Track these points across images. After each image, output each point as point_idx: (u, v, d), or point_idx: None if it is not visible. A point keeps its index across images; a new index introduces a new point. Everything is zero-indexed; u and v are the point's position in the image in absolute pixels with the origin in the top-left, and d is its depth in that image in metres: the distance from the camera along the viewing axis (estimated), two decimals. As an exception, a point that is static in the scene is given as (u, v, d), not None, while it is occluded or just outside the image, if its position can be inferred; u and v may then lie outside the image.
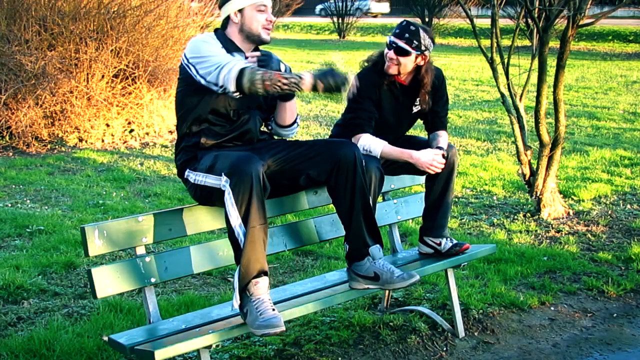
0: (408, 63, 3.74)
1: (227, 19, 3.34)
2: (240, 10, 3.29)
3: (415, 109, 3.92)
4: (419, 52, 3.72)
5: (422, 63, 3.78)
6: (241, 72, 3.04)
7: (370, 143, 3.70)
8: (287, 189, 3.46)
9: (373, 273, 3.32)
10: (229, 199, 2.96)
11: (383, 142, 3.73)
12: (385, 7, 35.27)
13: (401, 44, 3.69)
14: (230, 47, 3.28)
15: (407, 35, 3.69)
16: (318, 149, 3.30)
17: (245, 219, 2.94)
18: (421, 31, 3.71)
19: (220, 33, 3.36)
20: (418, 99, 3.89)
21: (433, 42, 3.77)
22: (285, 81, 3.01)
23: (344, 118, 3.90)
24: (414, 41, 3.69)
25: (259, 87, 3.02)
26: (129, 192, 6.57)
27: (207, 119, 3.28)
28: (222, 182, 3.01)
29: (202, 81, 3.16)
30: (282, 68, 3.28)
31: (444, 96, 3.98)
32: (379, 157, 3.68)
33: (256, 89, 3.03)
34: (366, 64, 3.88)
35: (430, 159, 3.71)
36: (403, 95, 3.87)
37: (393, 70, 3.76)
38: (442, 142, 3.83)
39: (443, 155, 3.75)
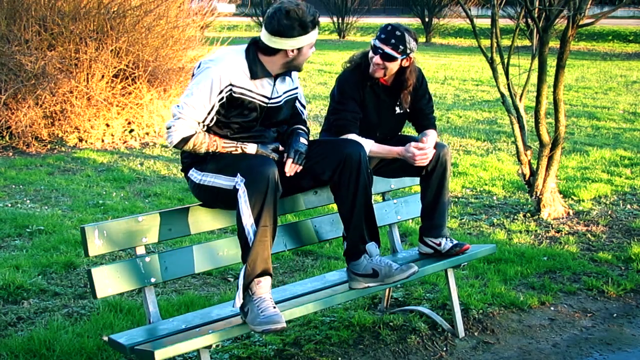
0: (394, 67, 3.77)
1: (276, 50, 3.20)
2: (299, 48, 3.21)
3: (398, 110, 3.93)
4: (404, 56, 3.75)
5: (407, 64, 3.80)
6: (184, 139, 3.15)
7: (359, 141, 3.70)
8: (290, 190, 3.47)
9: (371, 270, 3.34)
10: (242, 197, 2.98)
11: (370, 141, 3.74)
12: (232, 8, 33.89)
13: (388, 50, 3.70)
14: (259, 73, 3.22)
15: (393, 40, 3.70)
16: (323, 150, 3.33)
17: (258, 219, 2.98)
18: (406, 35, 3.72)
19: (253, 54, 3.23)
20: (399, 99, 3.91)
21: (417, 42, 3.80)
22: (226, 151, 3.23)
23: (329, 121, 3.91)
24: (400, 46, 3.70)
25: (202, 151, 3.21)
26: (129, 192, 6.57)
27: (227, 126, 3.26)
28: (236, 181, 3.03)
29: None
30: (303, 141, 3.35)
31: (426, 94, 3.99)
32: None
33: (198, 152, 3.22)
34: (348, 65, 3.90)
35: (413, 152, 3.71)
36: (385, 95, 3.88)
37: (379, 74, 3.78)
38: (428, 141, 3.83)
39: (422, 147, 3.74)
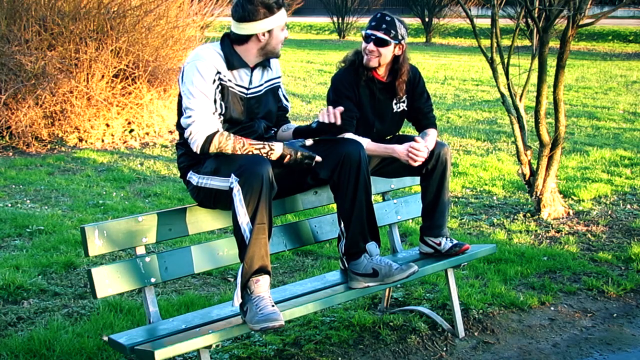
0: (387, 54, 3.79)
1: (247, 37, 3.24)
2: (269, 31, 3.25)
3: (396, 108, 3.93)
4: (397, 42, 3.77)
5: (399, 53, 3.83)
6: (208, 138, 3.12)
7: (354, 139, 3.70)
8: (290, 190, 3.48)
9: (371, 269, 3.34)
10: (237, 196, 2.98)
11: (366, 139, 3.74)
12: None
13: (380, 34, 3.74)
14: (235, 63, 3.25)
15: (384, 25, 3.75)
16: (322, 149, 3.32)
17: (253, 217, 2.98)
18: (396, 21, 3.79)
19: (228, 46, 3.27)
20: (397, 97, 3.91)
21: (406, 30, 3.84)
22: (255, 151, 3.16)
23: None
24: (392, 31, 3.75)
25: (228, 151, 3.15)
26: (129, 192, 6.57)
27: None
28: (231, 181, 3.03)
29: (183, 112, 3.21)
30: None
31: (424, 92, 4.00)
32: None
33: (223, 152, 3.15)
34: (342, 64, 3.91)
35: (407, 152, 3.69)
36: (381, 92, 3.89)
37: (374, 62, 3.79)
38: (428, 141, 3.83)
39: (427, 148, 3.74)
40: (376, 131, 3.90)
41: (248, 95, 3.31)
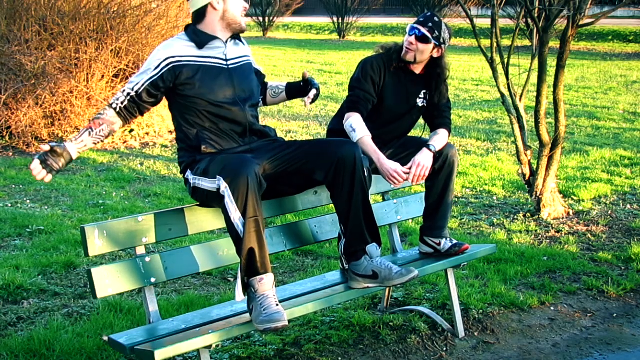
0: (426, 51, 3.81)
1: (203, 10, 3.31)
2: None
3: (419, 102, 3.93)
4: (437, 43, 3.80)
5: (437, 55, 3.85)
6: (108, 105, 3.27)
7: (357, 126, 3.71)
8: (287, 191, 3.47)
9: (371, 272, 3.33)
10: (226, 193, 2.99)
11: (367, 132, 3.72)
12: None
13: (424, 30, 3.77)
14: (204, 39, 3.30)
15: (430, 24, 3.79)
16: (318, 149, 3.31)
17: (244, 211, 2.98)
18: (443, 24, 3.82)
19: (192, 29, 3.33)
20: (424, 92, 3.92)
21: (450, 37, 3.87)
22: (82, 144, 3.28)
23: (344, 103, 3.90)
24: (436, 31, 3.78)
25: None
26: (129, 192, 6.57)
27: (199, 117, 3.30)
28: (217, 182, 3.03)
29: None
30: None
31: (446, 93, 3.99)
32: (355, 141, 3.67)
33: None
34: (381, 50, 3.93)
35: (391, 171, 3.66)
36: (410, 83, 3.89)
37: (410, 56, 3.82)
38: (436, 140, 3.80)
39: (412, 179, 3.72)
40: (390, 123, 3.88)
41: (229, 66, 3.33)
